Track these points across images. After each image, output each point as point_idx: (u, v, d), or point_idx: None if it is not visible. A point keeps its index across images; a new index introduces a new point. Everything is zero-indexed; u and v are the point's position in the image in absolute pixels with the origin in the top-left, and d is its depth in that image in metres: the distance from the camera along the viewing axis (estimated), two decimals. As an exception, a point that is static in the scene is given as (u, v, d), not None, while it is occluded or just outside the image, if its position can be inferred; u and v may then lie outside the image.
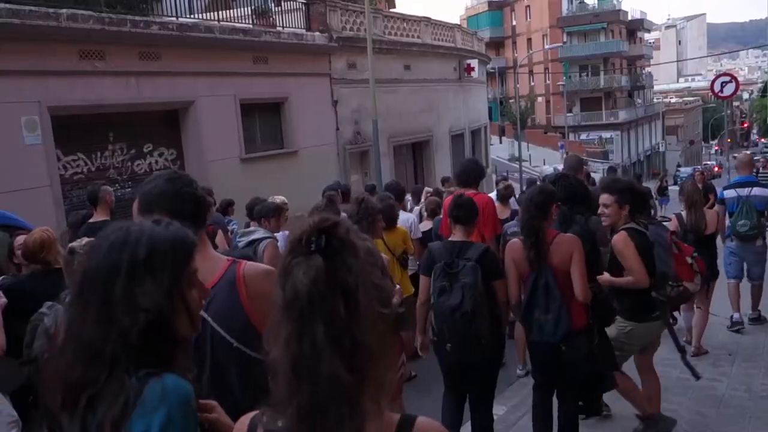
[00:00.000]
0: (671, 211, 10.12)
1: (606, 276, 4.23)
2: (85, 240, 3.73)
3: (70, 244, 3.80)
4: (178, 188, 2.20)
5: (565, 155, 28.71)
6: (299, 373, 1.19)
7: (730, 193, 7.19)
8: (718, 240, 7.17)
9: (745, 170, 7.66)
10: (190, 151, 12.95)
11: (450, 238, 4.21)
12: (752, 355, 6.40)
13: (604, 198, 4.35)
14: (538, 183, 5.77)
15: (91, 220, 6.38)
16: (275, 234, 5.57)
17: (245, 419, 1.38)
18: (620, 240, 4.16)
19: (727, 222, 7.18)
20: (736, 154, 12.03)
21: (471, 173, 5.35)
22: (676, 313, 6.58)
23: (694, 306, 6.47)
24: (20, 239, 4.34)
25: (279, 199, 6.28)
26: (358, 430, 1.20)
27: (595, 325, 4.10)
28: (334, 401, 1.18)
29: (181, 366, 1.53)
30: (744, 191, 7.04)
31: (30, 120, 9.92)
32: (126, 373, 1.42)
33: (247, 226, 6.93)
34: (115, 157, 11.74)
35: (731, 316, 7.15)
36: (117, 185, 11.43)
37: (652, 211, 4.41)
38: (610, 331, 4.29)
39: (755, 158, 16.35)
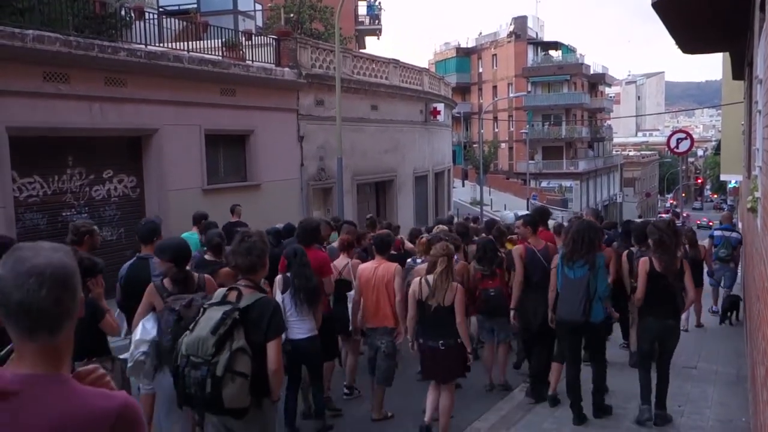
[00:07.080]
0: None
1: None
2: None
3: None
4: None
5: (534, 203, 36.13)
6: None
7: (718, 233, 11.56)
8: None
9: (726, 221, 12.29)
10: (151, 179, 12.79)
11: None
12: (700, 408, 6.50)
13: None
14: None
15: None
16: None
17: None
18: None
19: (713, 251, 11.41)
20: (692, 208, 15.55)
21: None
22: None
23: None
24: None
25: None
26: None
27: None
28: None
29: None
30: (726, 233, 11.54)
31: (-14, 139, 9.72)
32: (593, 251, 5.76)
33: None
34: (73, 181, 11.53)
35: (711, 306, 11.78)
36: (72, 210, 11.21)
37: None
38: None
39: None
